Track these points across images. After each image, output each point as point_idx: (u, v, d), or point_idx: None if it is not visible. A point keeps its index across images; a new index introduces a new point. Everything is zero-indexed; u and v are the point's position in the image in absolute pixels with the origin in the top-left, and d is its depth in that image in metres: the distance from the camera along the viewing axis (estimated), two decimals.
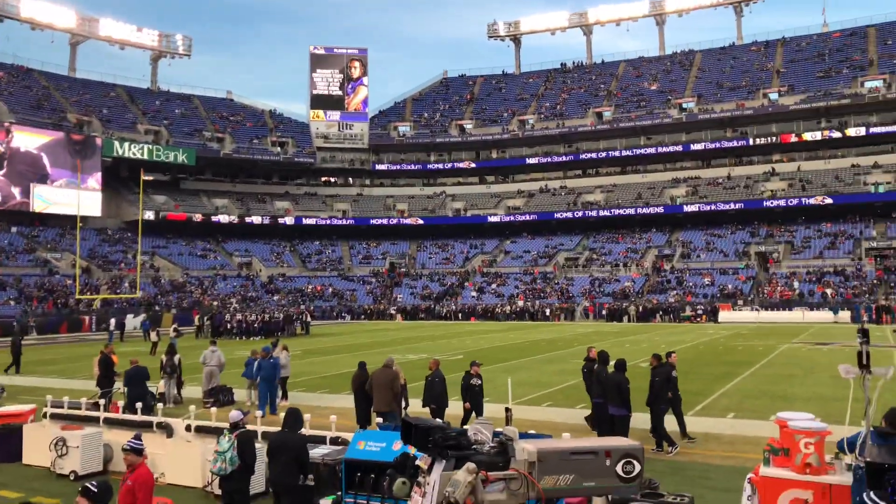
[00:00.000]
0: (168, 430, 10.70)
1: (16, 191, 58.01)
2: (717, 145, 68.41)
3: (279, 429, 8.15)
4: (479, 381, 13.12)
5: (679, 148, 69.68)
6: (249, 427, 10.43)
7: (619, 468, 3.20)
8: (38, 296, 48.33)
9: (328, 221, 72.92)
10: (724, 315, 48.73)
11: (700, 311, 49.67)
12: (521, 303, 57.02)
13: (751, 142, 66.89)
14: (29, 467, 11.59)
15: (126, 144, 64.51)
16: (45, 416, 12.42)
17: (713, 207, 63.09)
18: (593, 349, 13.97)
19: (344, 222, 73.44)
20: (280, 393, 17.31)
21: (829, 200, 58.60)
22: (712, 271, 57.29)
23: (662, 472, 10.18)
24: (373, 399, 12.37)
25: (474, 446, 3.08)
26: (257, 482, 9.39)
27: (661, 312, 50.86)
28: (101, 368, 16.43)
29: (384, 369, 12.56)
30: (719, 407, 15.79)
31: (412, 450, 3.18)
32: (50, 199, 59.49)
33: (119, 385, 15.61)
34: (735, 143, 67.86)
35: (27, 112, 62.14)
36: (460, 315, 56.54)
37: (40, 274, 52.49)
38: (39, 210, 59.41)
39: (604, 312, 52.54)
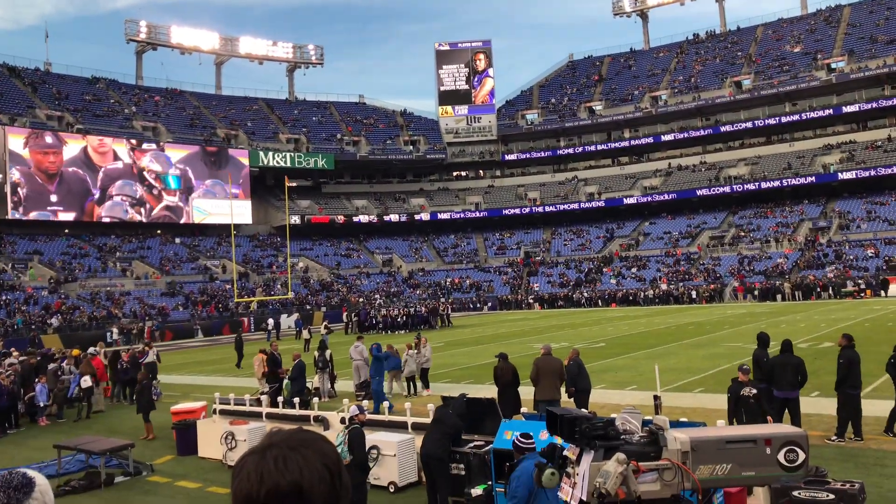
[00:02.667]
0: (325, 424, 11.24)
1: (178, 204, 62.96)
2: (875, 105, 62.81)
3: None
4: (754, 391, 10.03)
5: (829, 111, 64.65)
6: (393, 418, 10.79)
7: (780, 456, 3.03)
8: (202, 300, 52.21)
9: (462, 215, 73.82)
10: (893, 289, 44.80)
11: (863, 286, 45.95)
12: (664, 286, 55.16)
13: None
14: (204, 459, 12.57)
15: (270, 154, 68.40)
16: (214, 412, 13.43)
17: (873, 173, 58.07)
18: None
19: (477, 215, 74.06)
20: (421, 384, 17.92)
21: None
22: (876, 242, 52.81)
23: (832, 458, 9.55)
24: (537, 386, 12.14)
25: (623, 436, 3.02)
26: (409, 473, 9.68)
27: (818, 289, 47.51)
28: (269, 365, 17.47)
29: (548, 357, 12.39)
30: (893, 388, 14.55)
31: (559, 440, 3.16)
32: (206, 209, 64.17)
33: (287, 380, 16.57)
34: (895, 102, 62.03)
35: (182, 131, 67.26)
36: (600, 302, 55.50)
37: (203, 280, 56.70)
38: (198, 221, 64.25)
39: (755, 292, 49.78)
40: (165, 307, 49.88)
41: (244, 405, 13.06)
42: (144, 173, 60.85)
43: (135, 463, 11.90)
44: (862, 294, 45.09)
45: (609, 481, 2.72)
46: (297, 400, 12.98)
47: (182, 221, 63.62)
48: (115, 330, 43.04)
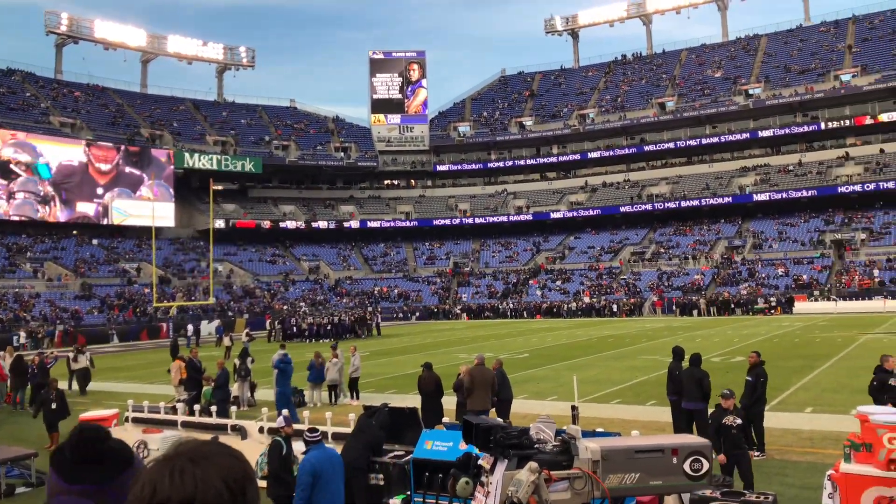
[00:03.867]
0: (242, 433, 11.00)
1: (90, 205, 60.57)
2: (787, 131, 66.13)
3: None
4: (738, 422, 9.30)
5: (746, 135, 67.67)
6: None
7: (686, 466, 3.14)
8: (119, 304, 50.36)
9: (392, 224, 73.69)
10: (799, 306, 47.11)
11: (774, 303, 48.11)
12: (586, 299, 56.39)
13: (822, 126, 64.40)
14: None
15: (196, 156, 66.68)
16: (126, 419, 12.95)
17: (785, 195, 61.03)
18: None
19: (407, 224, 74.07)
20: (348, 393, 17.86)
21: None
22: (786, 261, 55.43)
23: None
24: (469, 397, 12.06)
25: (536, 445, 3.07)
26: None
27: (732, 305, 49.47)
28: (189, 371, 16.97)
29: (482, 367, 12.37)
30: (797, 401, 15.29)
31: (476, 450, 3.19)
32: (126, 210, 61.98)
33: (207, 388, 16.14)
34: (806, 128, 65.47)
35: (104, 129, 64.86)
36: (525, 313, 56.29)
37: (120, 283, 54.71)
38: (118, 222, 61.99)
39: (673, 307, 51.45)
40: (79, 310, 47.89)
41: (158, 413, 12.65)
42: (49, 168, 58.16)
43: (38, 473, 11.34)
44: (772, 311, 47.18)
45: (521, 490, 2.77)
46: (214, 408, 12.65)
47: (101, 222, 61.23)
48: (22, 333, 41.00)
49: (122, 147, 62.71)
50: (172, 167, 65.09)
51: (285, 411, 8.09)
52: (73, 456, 1.68)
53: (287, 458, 7.75)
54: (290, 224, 70.27)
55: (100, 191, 60.60)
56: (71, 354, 22.76)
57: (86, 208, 60.08)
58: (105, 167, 60.96)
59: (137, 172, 62.62)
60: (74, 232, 60.23)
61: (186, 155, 66.11)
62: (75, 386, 21.98)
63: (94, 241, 60.13)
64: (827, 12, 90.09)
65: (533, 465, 2.86)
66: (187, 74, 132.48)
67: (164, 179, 63.99)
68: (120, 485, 1.60)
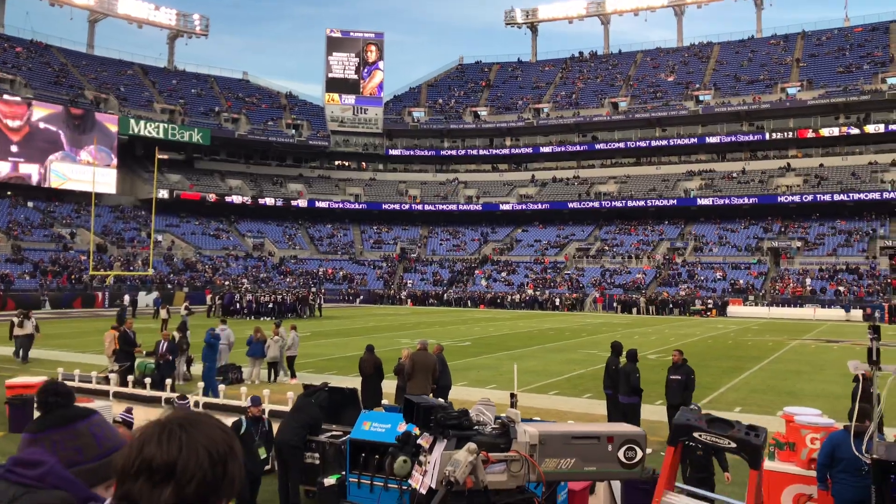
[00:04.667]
0: (176, 407, 10.79)
1: (31, 166, 58.33)
2: (733, 139, 67.90)
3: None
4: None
5: (694, 140, 69.24)
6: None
7: (620, 454, 3.20)
8: (53, 271, 48.74)
9: (341, 205, 73.05)
10: (734, 310, 48.59)
11: (710, 305, 49.48)
12: (530, 292, 57.00)
13: (767, 136, 66.35)
14: None
15: (142, 123, 64.76)
16: None
17: (727, 201, 62.71)
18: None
19: (356, 206, 73.54)
20: (289, 372, 17.75)
21: (844, 197, 58.13)
22: (724, 266, 57.01)
23: None
24: (410, 381, 12.05)
25: (476, 427, 3.09)
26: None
27: (670, 305, 50.69)
28: (121, 343, 16.54)
29: (424, 352, 12.36)
30: (726, 401, 15.76)
31: (416, 430, 3.20)
32: (66, 174, 59.89)
33: (140, 360, 15.78)
34: (751, 137, 67.35)
35: (45, 87, 62.46)
36: (469, 302, 56.60)
37: (55, 249, 52.92)
38: (56, 186, 59.84)
39: (614, 304, 52.43)
40: (10, 274, 46.15)
41: (90, 382, 12.32)
42: None
43: None
44: (708, 313, 48.52)
45: (458, 470, 2.78)
46: (147, 380, 12.38)
47: (38, 184, 58.98)
48: None
49: (63, 108, 60.43)
50: (117, 133, 63.07)
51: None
52: (40, 406, 1.82)
53: (244, 439, 7.66)
54: (237, 199, 68.96)
55: (14, 148, 57.70)
56: (16, 320, 21.67)
57: (18, 169, 57.71)
58: (15, 124, 57.88)
59: (66, 133, 60.02)
60: (9, 193, 57.92)
61: (132, 121, 64.16)
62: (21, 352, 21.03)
63: (30, 204, 57.96)
64: (778, 26, 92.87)
65: (472, 445, 2.88)
66: (138, 38, 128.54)
67: (108, 145, 61.99)
68: (68, 433, 1.69)
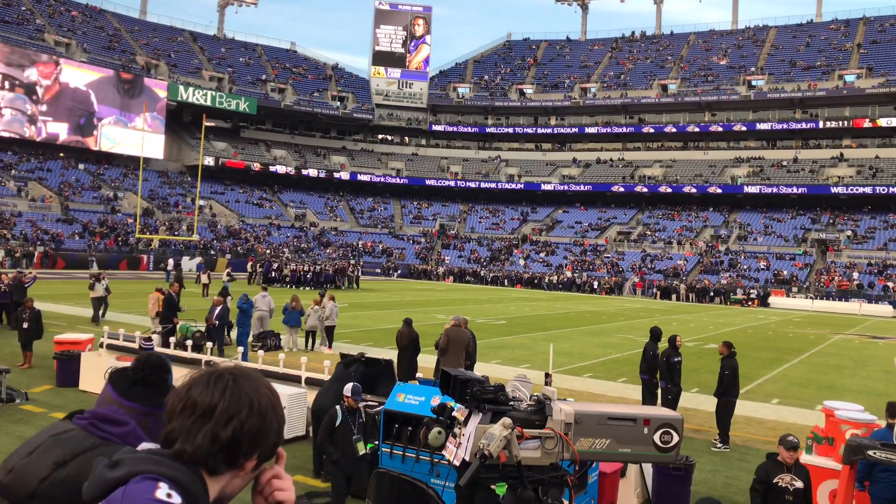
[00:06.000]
0: None
1: (85, 129, 59.66)
2: (785, 126, 66.11)
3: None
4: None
5: (744, 127, 67.62)
6: (287, 371, 10.72)
7: (656, 437, 3.17)
8: (101, 232, 49.98)
9: (382, 179, 73.30)
10: (776, 301, 47.64)
11: (752, 295, 48.60)
12: (568, 273, 56.66)
13: (820, 125, 64.46)
14: (85, 392, 12.12)
15: (190, 90, 65.63)
16: (101, 346, 12.93)
17: (775, 190, 61.29)
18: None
19: (398, 181, 73.72)
20: (327, 341, 18.02)
21: None
22: (768, 255, 55.88)
23: (701, 450, 10.12)
24: (443, 356, 12.12)
25: (511, 402, 3.09)
26: (297, 426, 9.65)
27: (711, 293, 49.94)
28: (165, 306, 16.91)
29: (459, 328, 12.41)
30: (764, 392, 15.53)
31: (451, 402, 3.21)
32: (116, 138, 61.13)
33: (182, 323, 16.11)
34: (804, 125, 65.48)
35: (98, 52, 63.62)
36: (506, 281, 56.52)
37: (104, 211, 54.20)
38: (105, 149, 61.16)
39: (654, 290, 51.83)
40: (60, 234, 47.46)
41: (133, 342, 12.64)
42: (38, 89, 56.92)
43: (8, 390, 11.33)
44: (749, 303, 47.69)
45: (493, 444, 2.79)
46: (189, 342, 12.66)
47: (89, 147, 60.36)
48: (0, 251, 40.64)
49: (114, 73, 61.54)
50: (166, 99, 64.07)
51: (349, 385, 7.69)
52: (135, 376, 1.82)
53: (340, 431, 7.15)
54: (280, 169, 69.67)
55: (90, 116, 59.49)
56: (90, 282, 21.50)
57: (74, 132, 59.12)
58: (67, 87, 59.09)
59: (118, 97, 61.28)
60: (61, 154, 59.38)
61: (181, 88, 65.06)
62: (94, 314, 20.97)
63: (81, 166, 59.38)
64: (839, 10, 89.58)
65: (507, 420, 2.88)
66: (189, 5, 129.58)
67: (156, 111, 63.04)
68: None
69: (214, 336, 15.11)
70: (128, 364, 1.96)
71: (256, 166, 68.32)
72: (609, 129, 73.53)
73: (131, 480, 1.28)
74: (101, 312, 21.15)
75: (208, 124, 58.97)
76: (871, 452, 5.26)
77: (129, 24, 72.46)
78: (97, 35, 67.07)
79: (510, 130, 77.68)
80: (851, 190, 58.25)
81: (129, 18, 73.77)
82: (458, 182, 73.36)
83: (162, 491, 1.26)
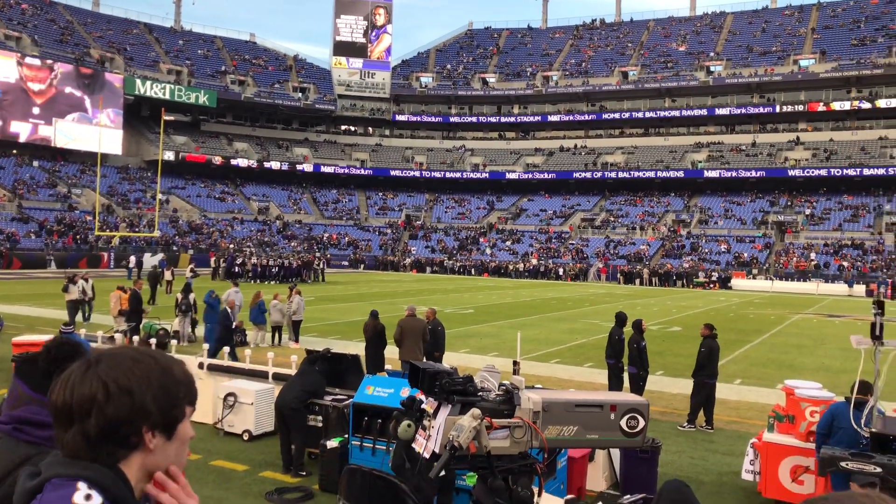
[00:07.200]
0: None
1: (28, 125, 58.14)
2: (743, 111, 67.27)
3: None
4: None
5: (703, 112, 68.62)
6: (253, 367, 10.64)
7: (623, 422, 3.23)
8: (58, 230, 48.90)
9: (346, 170, 72.85)
10: (737, 283, 48.57)
11: (713, 278, 49.48)
12: (534, 261, 57.05)
13: (777, 109, 65.73)
14: None
15: (148, 83, 64.35)
16: None
17: (734, 174, 62.38)
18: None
19: (362, 172, 73.33)
20: (293, 336, 17.86)
21: (852, 172, 57.74)
22: (729, 238, 56.91)
23: (668, 432, 10.29)
24: (400, 347, 12.25)
25: (480, 393, 3.11)
26: (265, 422, 9.60)
27: (674, 277, 50.71)
28: (131, 304, 16.61)
29: (413, 318, 12.49)
30: (726, 373, 15.81)
31: (420, 395, 3.22)
32: (72, 134, 59.72)
33: (146, 321, 15.87)
34: (761, 110, 66.71)
35: (50, 46, 62.00)
36: (473, 270, 56.69)
37: (61, 209, 53.02)
38: (62, 145, 59.73)
39: (618, 275, 52.48)
40: (15, 233, 46.33)
41: (95, 342, 12.42)
42: None
43: None
44: (711, 286, 48.54)
45: (462, 435, 2.81)
46: (153, 341, 12.49)
47: (42, 144, 58.86)
48: None
49: (71, 67, 60.07)
50: (123, 94, 62.74)
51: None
52: (48, 366, 1.71)
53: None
54: (242, 162, 68.79)
55: (36, 111, 57.88)
56: (64, 284, 20.02)
57: (21, 128, 57.58)
58: (37, 87, 57.93)
59: (79, 94, 59.93)
60: (14, 151, 57.88)
61: (138, 81, 63.75)
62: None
63: (36, 163, 57.94)
64: None
65: (476, 411, 2.91)
66: None
67: (114, 105, 61.71)
68: None
69: (228, 340, 14.58)
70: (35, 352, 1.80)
71: (218, 160, 67.36)
72: (571, 117, 74.03)
73: (46, 487, 1.22)
74: (86, 315, 19.92)
75: (167, 118, 57.90)
76: (843, 464, 5.65)
77: (81, 17, 70.73)
78: (49, 28, 65.38)
79: (474, 120, 77.75)
80: (808, 172, 59.54)
81: (81, 10, 72.00)
82: (424, 172, 73.25)
83: (80, 493, 1.20)
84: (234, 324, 15.76)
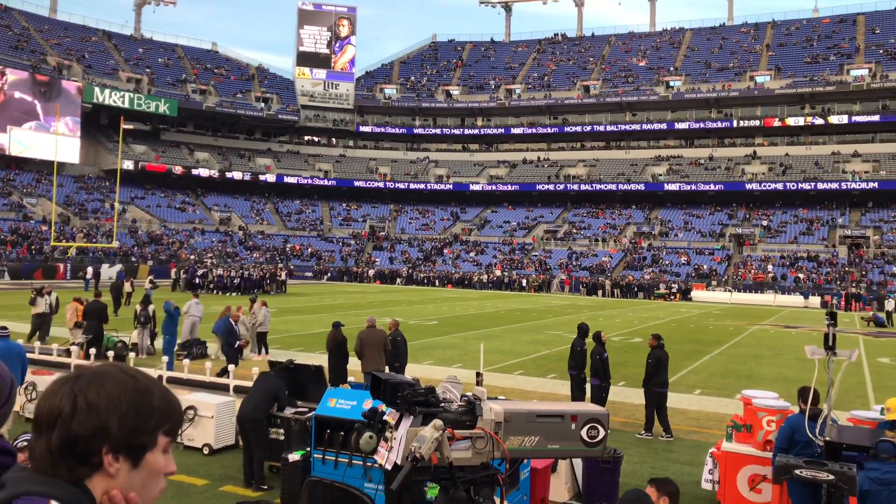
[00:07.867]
0: None
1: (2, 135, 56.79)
2: (701, 125, 68.63)
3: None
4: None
5: (663, 126, 69.84)
6: (214, 379, 10.48)
7: (583, 432, 3.25)
8: (12, 240, 47.69)
9: (309, 181, 72.40)
10: (697, 294, 49.37)
11: (674, 290, 50.22)
12: (498, 272, 57.28)
13: (734, 124, 67.19)
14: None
15: (107, 91, 63.28)
16: None
17: (693, 187, 63.51)
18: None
19: (325, 183, 72.96)
20: (261, 347, 17.70)
21: (807, 186, 59.23)
22: (689, 251, 57.87)
23: (629, 442, 10.39)
24: (362, 359, 12.23)
25: (442, 404, 3.12)
26: (226, 435, 9.46)
27: (635, 289, 51.34)
28: (87, 315, 16.20)
29: (373, 329, 12.46)
30: (686, 383, 16.06)
31: (382, 406, 3.21)
32: (27, 142, 58.38)
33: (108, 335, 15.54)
34: (719, 125, 68.14)
35: (6, 52, 60.65)
36: (437, 282, 56.71)
37: (15, 219, 51.73)
38: (16, 153, 58.33)
39: (580, 287, 52.94)
40: None
41: (51, 355, 12.13)
42: None
43: None
44: (672, 297, 49.26)
45: (424, 446, 2.81)
46: (111, 353, 12.23)
47: None
48: None
49: (27, 74, 58.80)
50: (81, 102, 61.57)
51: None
52: None
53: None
54: (204, 172, 67.93)
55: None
56: (31, 296, 19.00)
57: None
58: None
59: (29, 99, 58.60)
60: None
61: (97, 89, 62.65)
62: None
63: None
64: (749, 14, 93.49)
65: (437, 422, 2.91)
66: (102, 3, 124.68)
67: (71, 114, 60.52)
68: None
69: (232, 355, 14.35)
70: None
71: (178, 170, 66.41)
72: (534, 130, 74.72)
73: (16, 503, 1.20)
74: (45, 331, 18.59)
75: (126, 127, 57.00)
76: (797, 472, 5.93)
77: (38, 23, 69.37)
78: (4, 34, 63.96)
79: (438, 131, 78.01)
80: (764, 186, 60.89)
81: (38, 17, 70.62)
82: (388, 183, 73.17)
83: None
84: (238, 343, 15.23)
